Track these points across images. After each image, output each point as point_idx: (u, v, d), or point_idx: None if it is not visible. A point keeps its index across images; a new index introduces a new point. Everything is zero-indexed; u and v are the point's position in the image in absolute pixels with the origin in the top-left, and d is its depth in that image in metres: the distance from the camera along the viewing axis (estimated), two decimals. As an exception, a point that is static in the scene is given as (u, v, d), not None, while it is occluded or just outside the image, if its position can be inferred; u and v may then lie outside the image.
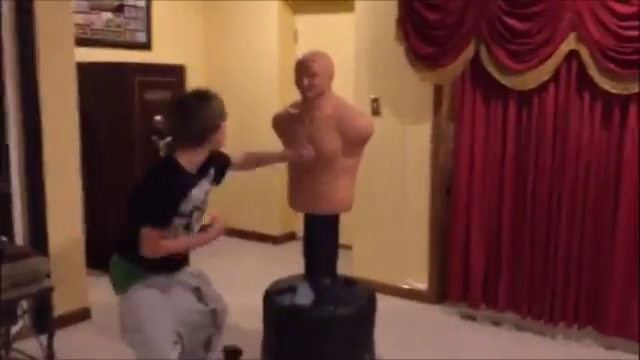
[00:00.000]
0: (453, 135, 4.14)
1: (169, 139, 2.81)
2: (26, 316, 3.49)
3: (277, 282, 3.28)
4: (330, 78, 3.01)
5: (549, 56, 3.54)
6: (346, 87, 4.01)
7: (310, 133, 3.01)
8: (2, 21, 3.37)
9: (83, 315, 3.89)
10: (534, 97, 3.71)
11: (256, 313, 3.21)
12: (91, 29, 4.98)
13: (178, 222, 2.55)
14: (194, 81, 5.27)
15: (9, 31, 3.40)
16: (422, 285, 4.35)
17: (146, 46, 5.39)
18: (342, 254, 3.29)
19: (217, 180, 2.76)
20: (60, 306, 3.40)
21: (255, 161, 3.18)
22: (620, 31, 3.32)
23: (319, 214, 3.11)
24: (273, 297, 3.14)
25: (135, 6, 5.29)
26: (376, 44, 4.31)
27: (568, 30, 3.47)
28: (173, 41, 5.60)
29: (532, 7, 3.54)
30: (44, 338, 3.19)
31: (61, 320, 3.55)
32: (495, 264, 3.99)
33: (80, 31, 4.77)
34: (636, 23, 3.27)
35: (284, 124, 3.18)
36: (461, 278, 4.11)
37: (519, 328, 3.93)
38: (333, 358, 3.01)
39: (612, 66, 3.36)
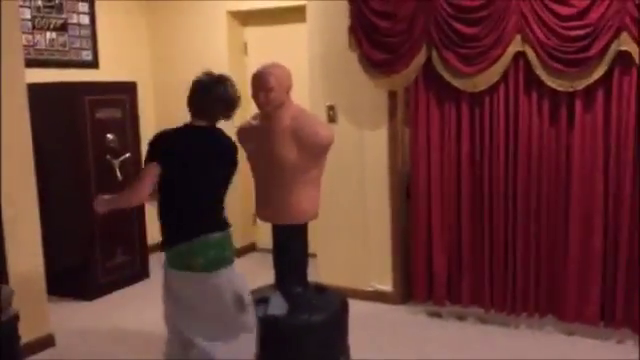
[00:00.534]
0: (409, 138, 4.24)
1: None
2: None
3: (248, 294, 3.29)
4: (287, 89, 3.03)
5: (498, 58, 3.67)
6: (301, 96, 4.03)
7: (269, 144, 3.04)
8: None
9: (47, 342, 3.77)
10: (485, 98, 3.84)
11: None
12: (35, 49, 4.85)
13: None
14: (143, 97, 5.22)
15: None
16: (387, 287, 4.42)
17: (93, 64, 5.28)
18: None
19: None
20: (24, 334, 3.27)
21: None
22: (562, 31, 3.48)
23: (287, 224, 3.14)
24: (247, 309, 3.14)
25: (79, 24, 5.18)
26: (329, 52, 4.35)
27: (514, 32, 3.61)
28: (120, 58, 5.50)
29: (479, 12, 3.67)
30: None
31: (26, 348, 3.44)
32: (457, 261, 4.11)
33: (24, 52, 4.63)
34: (577, 23, 3.45)
35: (247, 136, 3.20)
36: (425, 277, 4.21)
37: (483, 321, 4.05)
38: (311, 364, 3.04)
39: (557, 65, 3.52)
